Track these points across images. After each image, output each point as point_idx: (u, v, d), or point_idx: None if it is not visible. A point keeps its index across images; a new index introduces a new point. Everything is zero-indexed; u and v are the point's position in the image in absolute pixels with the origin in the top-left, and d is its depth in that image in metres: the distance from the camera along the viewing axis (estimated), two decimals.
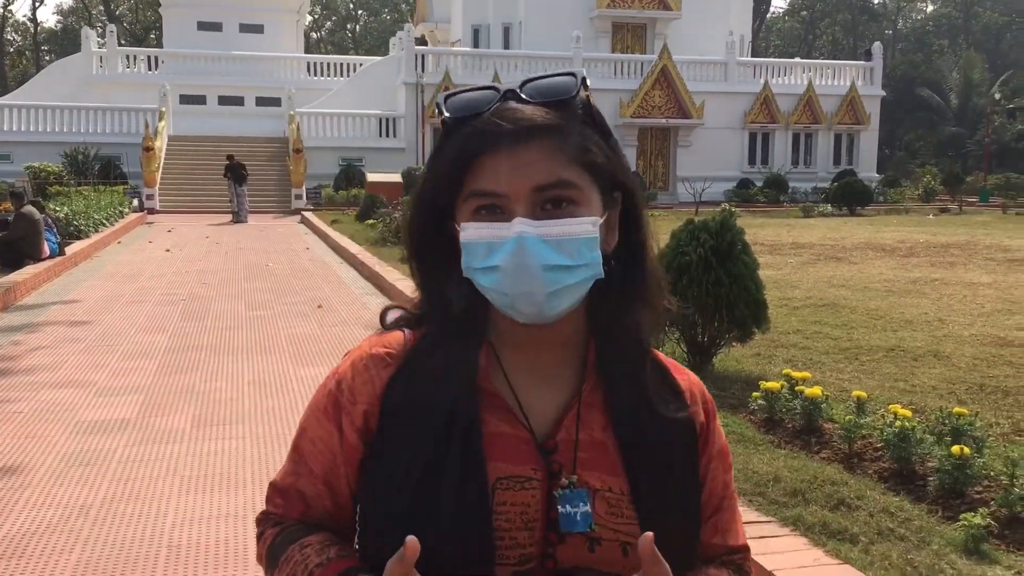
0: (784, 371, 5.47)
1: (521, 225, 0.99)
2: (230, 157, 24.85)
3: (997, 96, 43.49)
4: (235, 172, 24.04)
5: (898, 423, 4.26)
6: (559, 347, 1.09)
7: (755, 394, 5.15)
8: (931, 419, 4.71)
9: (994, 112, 42.27)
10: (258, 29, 39.23)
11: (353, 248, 15.08)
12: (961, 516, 3.52)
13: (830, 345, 7.21)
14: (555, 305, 1.01)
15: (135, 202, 25.51)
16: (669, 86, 32.91)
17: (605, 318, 1.09)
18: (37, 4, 77.67)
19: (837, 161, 36.21)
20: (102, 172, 27.63)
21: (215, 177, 26.38)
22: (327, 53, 59.06)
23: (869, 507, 3.75)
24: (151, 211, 25.69)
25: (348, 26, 75.10)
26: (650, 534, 0.94)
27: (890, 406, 4.63)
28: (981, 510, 3.55)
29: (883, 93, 37.50)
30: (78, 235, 15.98)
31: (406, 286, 10.23)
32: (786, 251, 15.10)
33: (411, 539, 0.91)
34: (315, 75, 36.99)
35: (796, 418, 4.89)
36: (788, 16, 73.31)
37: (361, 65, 36.92)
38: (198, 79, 34.69)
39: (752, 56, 42.00)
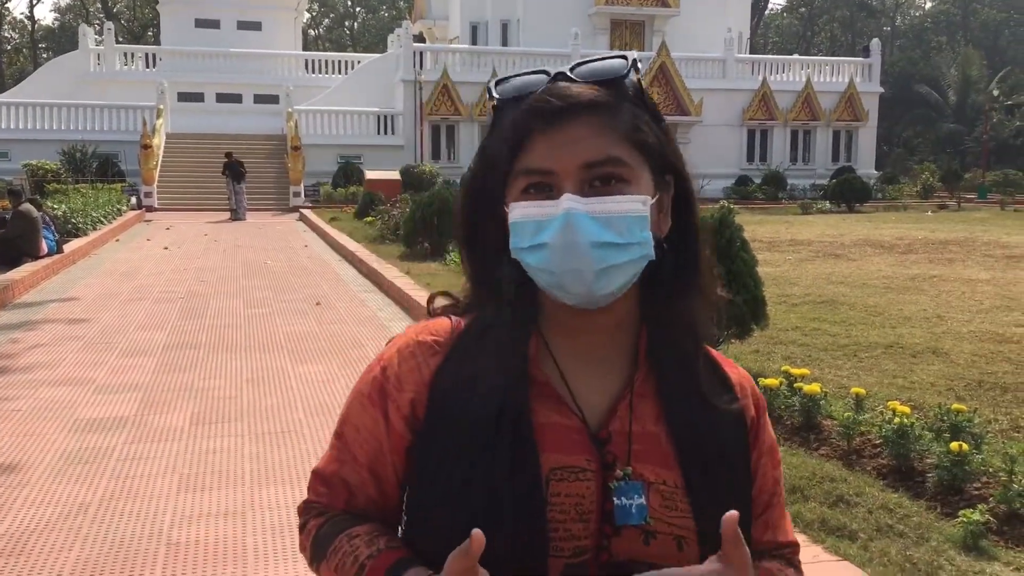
0: (783, 368, 5.47)
1: (569, 201, 0.98)
2: (228, 155, 24.83)
3: (995, 93, 43.49)
4: (233, 170, 24.02)
5: (897, 420, 4.26)
6: (609, 334, 1.08)
7: None
8: (930, 416, 4.71)
9: (992, 109, 42.27)
10: (256, 26, 39.20)
11: (351, 245, 15.07)
12: (960, 512, 3.53)
13: (829, 342, 7.22)
14: (604, 285, 1.00)
15: (133, 200, 25.48)
16: (667, 83, 32.88)
17: (657, 305, 1.08)
18: (34, 1, 77.59)
19: (835, 158, 36.23)
20: (100, 170, 27.61)
21: (213, 175, 26.36)
22: (325, 50, 59.03)
23: (868, 504, 3.75)
24: (149, 209, 25.67)
25: (346, 23, 75.04)
26: (735, 513, 0.92)
27: (889, 403, 4.64)
28: (980, 506, 3.55)
29: (881, 90, 37.52)
30: (76, 233, 15.97)
31: (405, 283, 10.23)
32: (785, 248, 15.11)
33: (477, 532, 0.89)
34: (313, 72, 36.97)
35: (795, 415, 4.89)
36: (786, 13, 73.29)
37: (359, 62, 36.90)
38: (196, 76, 34.67)
39: (750, 53, 42.02)
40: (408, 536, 1.08)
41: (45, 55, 61.79)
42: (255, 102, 35.17)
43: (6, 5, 63.93)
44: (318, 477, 1.15)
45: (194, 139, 30.43)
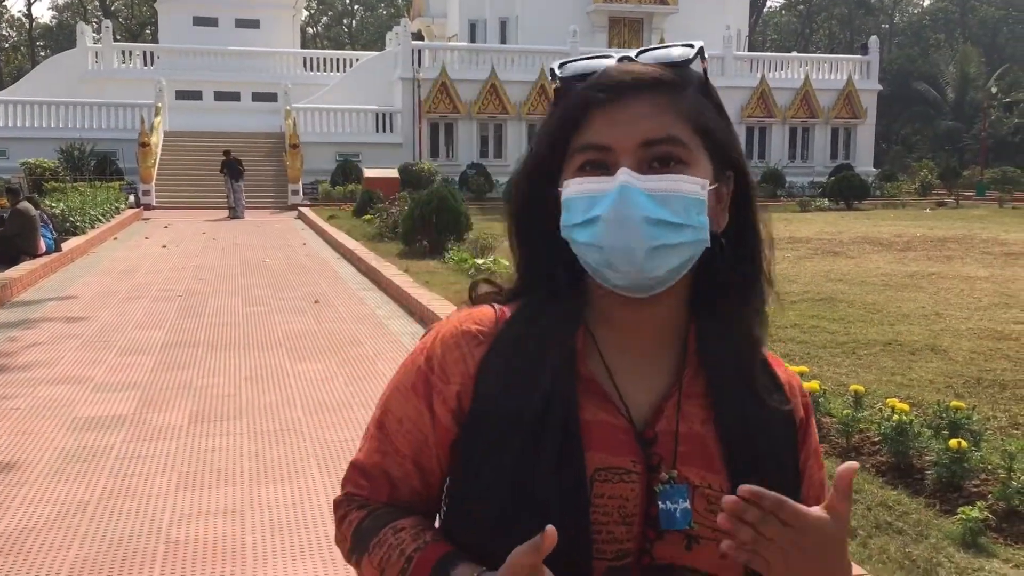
0: None
1: (625, 175, 0.95)
2: (226, 153, 24.81)
3: (993, 90, 43.52)
4: (231, 168, 24.00)
5: (896, 417, 4.26)
6: (658, 330, 1.05)
7: None
8: (928, 413, 4.72)
9: (990, 106, 42.29)
10: (254, 24, 39.16)
11: (350, 243, 15.06)
12: (959, 509, 3.53)
13: (827, 339, 7.22)
14: (655, 266, 0.97)
15: (131, 198, 25.45)
16: None
17: (708, 303, 1.05)
18: None
19: (834, 155, 36.24)
20: (98, 168, 27.56)
21: (211, 173, 26.33)
22: (323, 48, 58.94)
23: (867, 501, 3.75)
24: (147, 207, 25.64)
25: (344, 21, 74.97)
26: (855, 464, 0.90)
27: (887, 400, 4.64)
28: (979, 503, 3.56)
29: (880, 87, 37.51)
30: (74, 231, 15.95)
31: (403, 281, 10.23)
32: (783, 245, 15.10)
33: (550, 529, 0.86)
34: (311, 70, 36.91)
35: None
36: (785, 10, 73.28)
37: (357, 60, 36.85)
38: (194, 74, 34.62)
39: (749, 50, 42.02)
40: (446, 526, 1.07)
41: (43, 53, 61.71)
42: (253, 100, 35.12)
43: (4, 3, 63.83)
44: (358, 469, 1.12)
45: (192, 137, 30.40)
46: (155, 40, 46.74)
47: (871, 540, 3.38)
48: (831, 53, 48.89)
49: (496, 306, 1.10)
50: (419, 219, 13.89)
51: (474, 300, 1.15)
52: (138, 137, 26.88)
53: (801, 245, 15.14)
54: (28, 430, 5.22)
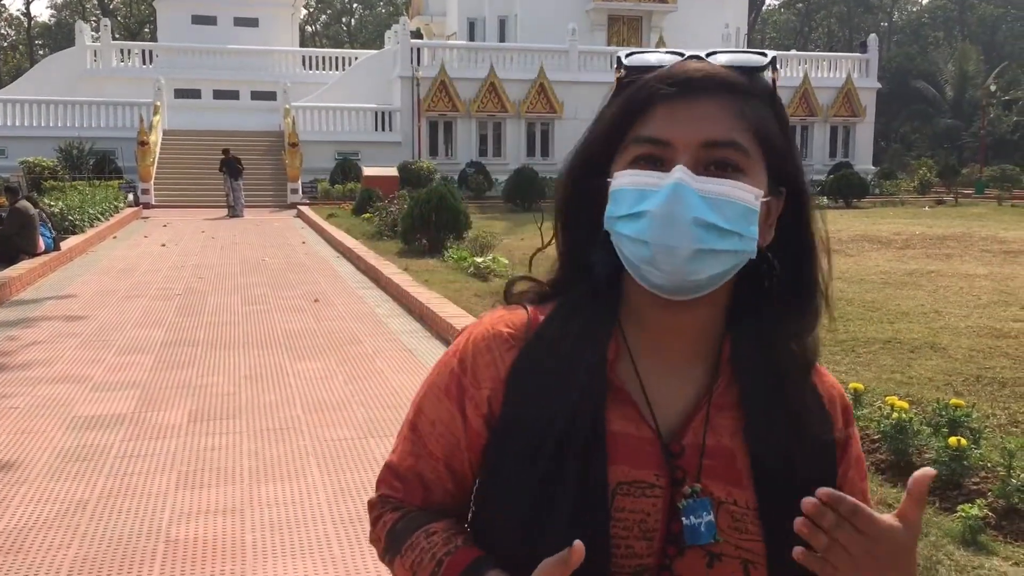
0: None
1: (681, 172, 0.92)
2: (225, 151, 24.78)
3: (992, 88, 43.47)
4: (231, 166, 23.98)
5: (895, 415, 4.26)
6: (693, 338, 1.02)
7: None
8: (928, 411, 4.72)
9: (989, 104, 42.26)
10: (253, 23, 39.11)
11: (349, 242, 15.06)
12: (958, 507, 3.53)
13: (826, 337, 7.16)
14: (696, 270, 0.94)
15: (130, 197, 25.44)
16: None
17: (750, 312, 1.02)
18: None
19: (833, 154, 36.22)
20: (97, 167, 27.52)
21: (211, 171, 26.31)
22: (322, 47, 58.90)
23: None
24: (146, 206, 25.62)
25: (343, 20, 74.91)
26: (931, 471, 0.88)
27: (887, 398, 4.64)
28: (978, 501, 3.56)
29: (879, 85, 37.51)
30: (73, 230, 15.94)
31: (403, 280, 10.23)
32: None
33: (578, 544, 0.86)
34: (310, 69, 36.88)
35: None
36: (784, 8, 73.27)
37: (356, 59, 36.81)
38: (193, 73, 34.57)
39: (748, 48, 41.94)
40: (473, 527, 1.07)
41: (41, 52, 61.64)
42: (252, 99, 35.08)
43: (2, 2, 63.79)
44: (392, 471, 1.12)
45: (191, 136, 30.37)
46: (154, 39, 46.68)
47: None
48: (830, 51, 48.88)
49: (529, 307, 1.09)
50: (418, 218, 13.88)
51: (508, 299, 1.13)
52: (137, 136, 26.84)
53: None
54: (27, 429, 5.21)
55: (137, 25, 64.49)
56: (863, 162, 35.95)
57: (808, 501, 0.87)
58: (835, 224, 19.30)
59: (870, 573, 0.89)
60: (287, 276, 12.07)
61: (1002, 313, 8.33)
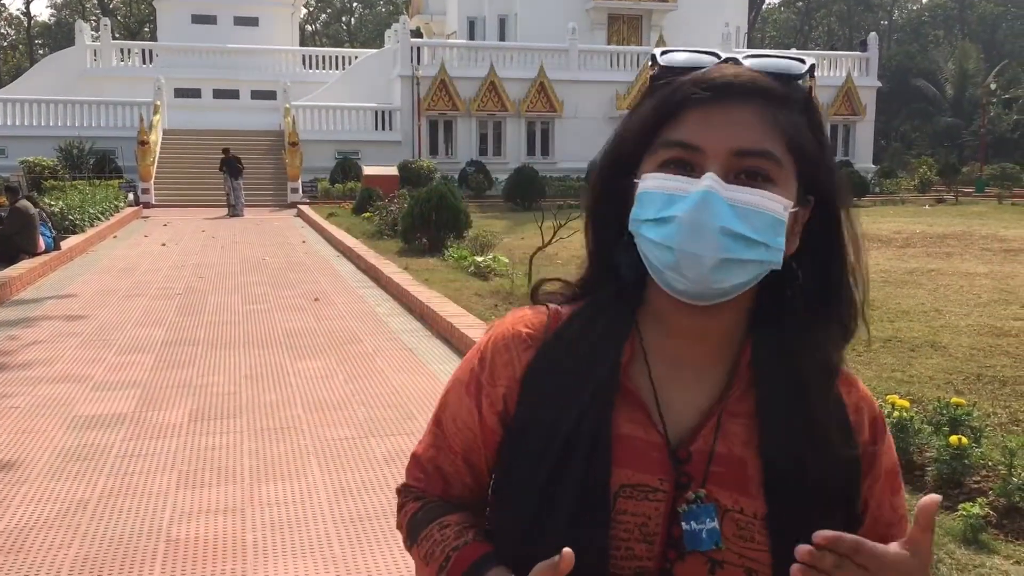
0: None
1: (711, 180, 0.91)
2: (225, 151, 24.78)
3: (993, 86, 43.44)
4: (231, 166, 23.98)
5: (896, 414, 4.26)
6: (712, 341, 1.01)
7: None
8: (929, 409, 4.71)
9: (989, 102, 42.24)
10: (253, 22, 39.10)
11: (349, 241, 15.06)
12: (959, 506, 3.53)
13: None
14: (720, 279, 0.93)
15: (130, 196, 25.44)
16: None
17: (773, 320, 1.01)
18: None
19: (833, 152, 36.18)
20: (97, 166, 27.53)
21: (211, 171, 26.31)
22: (322, 46, 58.89)
23: None
24: (147, 205, 25.62)
25: (343, 19, 74.90)
26: (938, 497, 0.86)
27: (888, 396, 4.64)
28: (979, 500, 3.56)
29: (879, 84, 37.50)
30: (73, 230, 15.93)
31: (403, 279, 10.23)
32: None
33: (567, 551, 0.87)
34: (310, 68, 36.88)
35: None
36: (784, 7, 73.25)
37: (356, 58, 36.81)
38: (193, 72, 34.56)
39: (748, 47, 41.96)
40: (489, 522, 1.09)
41: (41, 51, 61.63)
42: (252, 98, 35.08)
43: (2, 1, 63.78)
44: (416, 462, 1.15)
45: (191, 135, 30.36)
46: (154, 38, 46.69)
47: None
48: (830, 50, 48.82)
49: (551, 307, 1.09)
50: (418, 217, 13.88)
51: (535, 299, 1.13)
52: (137, 135, 26.84)
53: None
54: (28, 428, 5.21)
55: (137, 24, 64.49)
56: (863, 161, 35.95)
57: (802, 549, 0.85)
58: None
59: None
60: (287, 275, 12.07)
61: (1002, 311, 8.33)
